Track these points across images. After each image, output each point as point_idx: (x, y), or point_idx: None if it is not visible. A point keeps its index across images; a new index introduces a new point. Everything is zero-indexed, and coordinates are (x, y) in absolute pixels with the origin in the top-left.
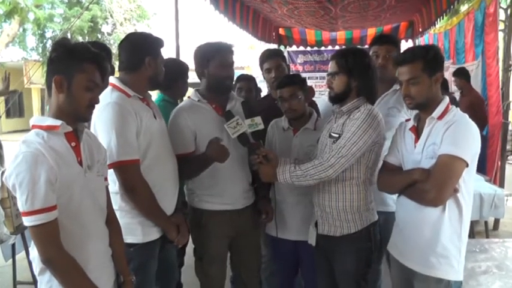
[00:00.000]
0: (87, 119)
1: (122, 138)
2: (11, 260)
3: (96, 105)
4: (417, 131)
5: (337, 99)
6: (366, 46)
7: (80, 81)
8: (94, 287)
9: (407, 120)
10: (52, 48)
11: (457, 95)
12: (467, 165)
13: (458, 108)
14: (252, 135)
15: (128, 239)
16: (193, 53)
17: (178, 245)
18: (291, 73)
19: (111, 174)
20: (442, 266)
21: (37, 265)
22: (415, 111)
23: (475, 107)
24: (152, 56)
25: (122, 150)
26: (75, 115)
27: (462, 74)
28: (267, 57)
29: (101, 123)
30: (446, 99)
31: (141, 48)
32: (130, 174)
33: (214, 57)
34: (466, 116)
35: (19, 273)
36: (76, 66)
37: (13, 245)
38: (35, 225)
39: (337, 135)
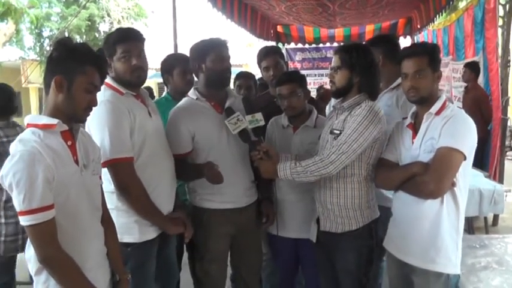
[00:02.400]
0: (84, 120)
1: (115, 136)
2: None
3: None
4: (414, 127)
5: (338, 94)
6: (365, 43)
7: (80, 83)
8: (92, 286)
9: (404, 119)
10: (53, 47)
11: (459, 91)
12: (464, 158)
13: (456, 105)
14: (253, 131)
15: (125, 238)
16: (189, 51)
17: (187, 239)
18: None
19: (107, 173)
20: (441, 260)
21: (33, 265)
22: (411, 110)
23: (480, 103)
24: (108, 55)
25: (115, 148)
26: (72, 116)
27: (474, 68)
28: (264, 55)
29: (94, 122)
30: (443, 96)
31: (103, 48)
32: (123, 172)
33: (210, 52)
34: (463, 111)
35: (18, 273)
36: (77, 68)
37: None
38: (32, 224)
39: (338, 132)
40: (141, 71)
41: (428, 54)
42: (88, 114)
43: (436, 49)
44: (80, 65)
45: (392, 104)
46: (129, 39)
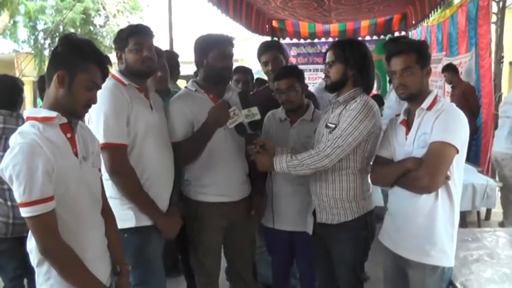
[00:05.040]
0: (82, 116)
1: (110, 121)
2: None
3: None
4: (407, 123)
5: (333, 88)
6: (360, 38)
7: (81, 80)
8: (92, 277)
9: (397, 115)
10: (59, 41)
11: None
12: (457, 152)
13: (447, 99)
14: (249, 125)
15: (120, 225)
16: (194, 43)
17: (166, 237)
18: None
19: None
20: (437, 254)
21: (35, 256)
22: (404, 106)
23: (468, 96)
24: (119, 48)
25: (109, 133)
26: (71, 111)
27: (450, 69)
28: (263, 50)
29: (93, 108)
30: (435, 91)
31: (114, 43)
32: (116, 156)
33: (213, 48)
34: (454, 105)
35: None
36: (80, 65)
37: None
38: (32, 216)
39: (333, 126)
40: (151, 61)
41: (416, 51)
42: (86, 111)
43: (423, 45)
44: (83, 62)
45: (395, 99)
46: (141, 33)
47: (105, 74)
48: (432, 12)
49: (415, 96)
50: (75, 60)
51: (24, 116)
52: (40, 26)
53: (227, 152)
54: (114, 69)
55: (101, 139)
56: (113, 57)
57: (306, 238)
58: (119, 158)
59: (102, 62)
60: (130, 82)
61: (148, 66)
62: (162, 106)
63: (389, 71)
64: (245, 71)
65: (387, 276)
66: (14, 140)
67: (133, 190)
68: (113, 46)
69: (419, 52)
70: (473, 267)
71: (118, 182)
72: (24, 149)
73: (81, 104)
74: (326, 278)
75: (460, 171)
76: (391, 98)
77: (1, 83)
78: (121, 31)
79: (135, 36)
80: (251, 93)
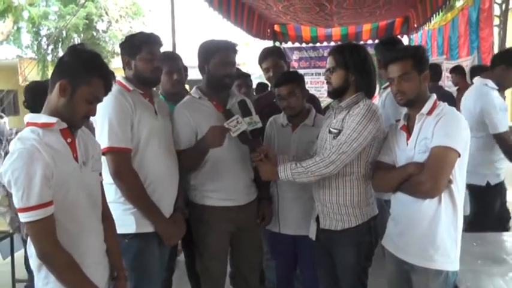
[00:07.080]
0: (79, 127)
1: (114, 126)
2: (9, 258)
3: None
4: (408, 129)
5: (335, 94)
6: (362, 42)
7: (83, 93)
8: (90, 283)
9: (397, 121)
10: (67, 50)
11: (454, 92)
12: (459, 155)
13: (446, 104)
14: (251, 133)
15: (122, 230)
16: (197, 48)
17: (168, 244)
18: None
19: (106, 165)
20: (441, 258)
21: (34, 261)
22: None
23: None
24: (128, 55)
25: (113, 137)
26: (68, 121)
27: (458, 71)
28: (264, 57)
29: (98, 113)
30: (434, 96)
31: (122, 48)
32: (120, 160)
33: (215, 55)
34: (454, 109)
35: (18, 271)
36: (84, 77)
37: (12, 243)
38: (31, 221)
39: (336, 131)
40: (160, 72)
41: (412, 57)
42: (84, 122)
43: (419, 51)
44: (87, 75)
45: (381, 104)
46: (155, 43)
47: (108, 88)
48: (434, 15)
49: (413, 101)
50: (79, 72)
51: (25, 121)
52: (43, 32)
53: (231, 159)
54: (119, 75)
55: (105, 143)
56: (116, 62)
57: (308, 243)
58: (122, 162)
59: (107, 77)
60: (134, 88)
61: (157, 76)
62: (168, 111)
63: (387, 78)
64: (244, 75)
65: (391, 281)
66: (14, 145)
67: (137, 194)
68: (120, 50)
69: (416, 57)
70: (478, 272)
71: (121, 186)
72: (23, 155)
73: (80, 116)
74: (329, 283)
75: (462, 175)
76: (379, 104)
77: (37, 89)
78: (132, 37)
79: (149, 45)
80: (255, 98)
